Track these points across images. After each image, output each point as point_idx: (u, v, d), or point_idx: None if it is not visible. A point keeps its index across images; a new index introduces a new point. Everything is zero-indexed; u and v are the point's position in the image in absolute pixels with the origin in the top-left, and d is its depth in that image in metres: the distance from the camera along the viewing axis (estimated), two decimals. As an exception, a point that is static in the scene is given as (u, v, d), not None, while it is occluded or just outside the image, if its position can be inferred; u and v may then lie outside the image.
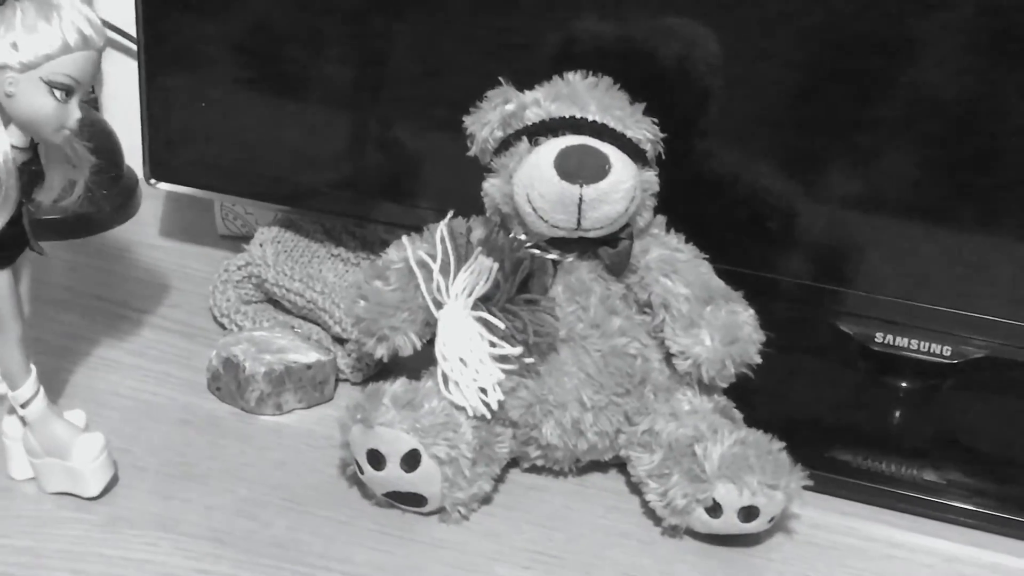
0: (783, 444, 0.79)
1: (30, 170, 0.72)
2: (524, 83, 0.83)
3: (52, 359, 0.90)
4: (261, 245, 0.99)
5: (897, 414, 0.93)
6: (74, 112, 0.70)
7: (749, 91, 0.86)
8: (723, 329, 0.79)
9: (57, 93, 0.68)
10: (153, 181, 1.00)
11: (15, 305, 0.74)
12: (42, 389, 0.77)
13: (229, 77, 0.97)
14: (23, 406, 0.76)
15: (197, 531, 0.77)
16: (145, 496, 0.80)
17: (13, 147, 0.70)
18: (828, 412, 0.93)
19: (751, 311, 0.81)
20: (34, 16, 0.67)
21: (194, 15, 0.96)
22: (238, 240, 1.07)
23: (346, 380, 0.93)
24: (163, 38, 0.96)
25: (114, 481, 0.79)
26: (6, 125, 0.70)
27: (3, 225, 0.70)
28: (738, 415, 0.83)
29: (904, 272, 0.87)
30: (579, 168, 0.76)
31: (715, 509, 0.77)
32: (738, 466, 0.76)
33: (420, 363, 0.83)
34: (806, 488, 0.78)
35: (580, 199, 0.76)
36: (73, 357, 0.92)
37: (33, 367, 0.76)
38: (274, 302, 0.98)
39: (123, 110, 1.06)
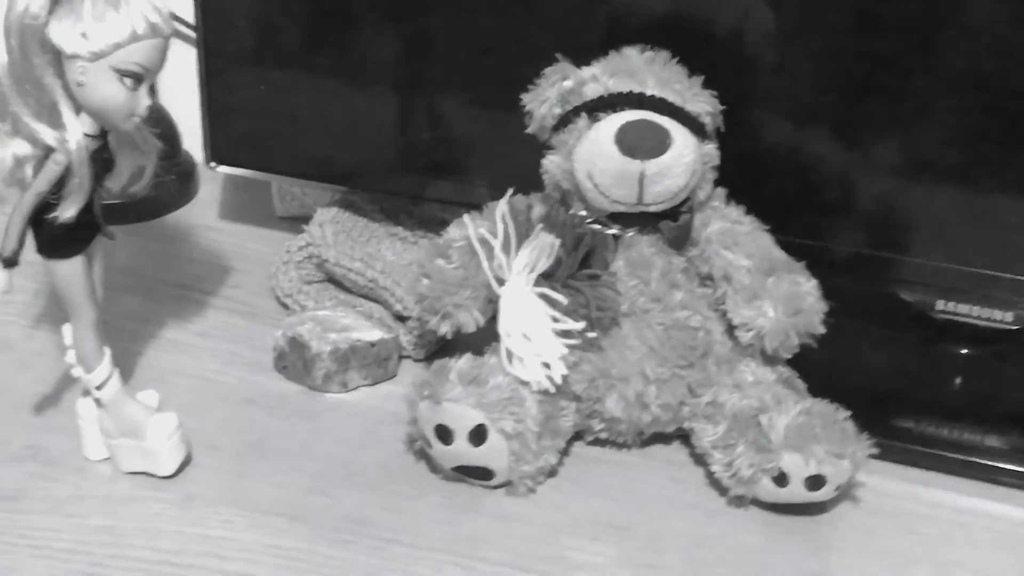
0: (848, 413, 0.79)
1: (101, 158, 0.73)
2: (581, 59, 0.83)
3: (120, 341, 0.91)
4: (321, 226, 1.00)
5: (960, 381, 0.93)
6: (143, 99, 0.71)
7: (804, 60, 0.86)
8: (786, 300, 0.80)
9: (127, 81, 0.69)
10: (213, 164, 1.02)
11: (89, 290, 0.76)
12: (116, 371, 0.78)
13: (285, 60, 0.98)
14: (98, 388, 0.78)
15: (270, 507, 0.78)
16: (218, 474, 0.81)
17: (85, 135, 0.71)
18: (891, 380, 0.93)
19: (813, 281, 0.81)
20: (103, 5, 0.68)
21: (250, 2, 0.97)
22: (296, 221, 1.08)
23: (408, 357, 0.94)
24: (221, 23, 0.97)
25: (188, 460, 0.81)
26: (77, 114, 0.71)
27: (77, 212, 0.72)
28: (801, 385, 0.84)
29: (965, 239, 0.87)
30: (640, 143, 0.76)
31: (781, 478, 0.77)
32: (804, 436, 0.77)
33: (481, 339, 0.84)
34: (871, 456, 0.79)
35: (641, 174, 0.77)
36: (141, 339, 0.94)
37: (107, 350, 0.78)
38: (335, 281, 1.00)
39: (179, 95, 1.08)
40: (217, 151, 1.01)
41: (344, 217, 1.01)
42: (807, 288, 0.81)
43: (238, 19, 0.97)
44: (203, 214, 1.13)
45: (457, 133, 0.97)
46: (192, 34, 0.99)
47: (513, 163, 0.89)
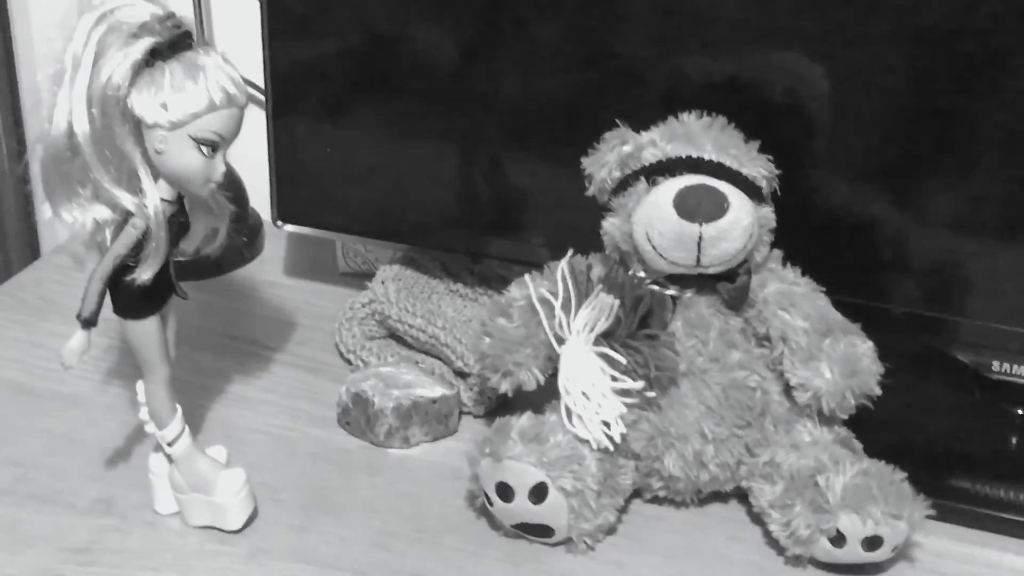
0: (904, 474, 0.80)
1: (178, 222, 0.76)
2: (639, 124, 0.85)
3: (189, 397, 0.93)
4: (383, 283, 1.02)
5: (1016, 441, 0.93)
6: (219, 167, 0.73)
7: (857, 121, 0.88)
8: (842, 361, 0.81)
9: (204, 149, 0.72)
10: (280, 223, 1.04)
11: (163, 348, 0.78)
12: (187, 427, 0.81)
13: (349, 121, 1.01)
14: (170, 444, 0.80)
15: (335, 562, 0.80)
16: (284, 529, 0.83)
17: (162, 200, 0.74)
18: (948, 441, 0.93)
19: (869, 343, 0.82)
20: (182, 77, 0.71)
21: (317, 66, 1.00)
22: (358, 277, 1.11)
23: (468, 413, 0.96)
24: (289, 87, 1.00)
25: (255, 515, 0.83)
26: (155, 180, 0.74)
27: (154, 274, 0.74)
28: (858, 445, 0.85)
29: (1021, 299, 0.87)
30: (698, 207, 0.78)
31: (839, 539, 0.78)
32: (861, 496, 0.78)
33: (541, 397, 0.86)
34: (928, 517, 0.79)
35: (700, 237, 0.78)
36: (208, 394, 0.97)
37: (178, 407, 0.80)
38: (397, 337, 1.02)
39: (245, 155, 1.10)
40: (284, 210, 1.04)
41: (406, 274, 1.03)
42: (863, 349, 0.82)
43: (305, 83, 1.00)
44: (269, 270, 1.16)
45: (517, 193, 0.99)
46: (261, 97, 1.02)
47: (571, 223, 0.91)
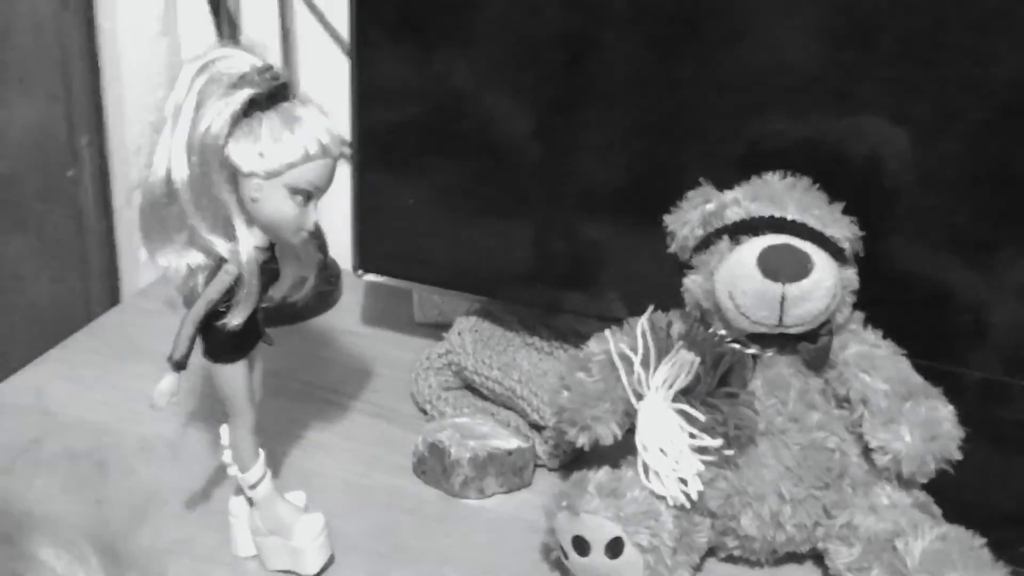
0: (984, 540, 0.79)
1: (269, 268, 0.77)
2: (722, 184, 0.86)
3: (267, 441, 0.94)
4: (460, 334, 1.03)
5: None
6: (312, 216, 0.75)
7: (941, 185, 0.88)
8: (923, 425, 0.81)
9: (298, 198, 0.74)
10: (360, 272, 1.06)
11: (249, 393, 0.80)
12: (269, 472, 0.82)
13: (430, 176, 1.03)
14: (251, 487, 0.81)
15: (410, 611, 0.81)
16: (360, 575, 0.84)
17: (255, 247, 0.75)
18: (1027, 508, 0.93)
19: (950, 407, 0.82)
20: (279, 127, 0.73)
21: (401, 119, 1.02)
22: (434, 328, 1.12)
23: (543, 465, 0.96)
24: (374, 141, 1.02)
25: (331, 560, 0.84)
26: (249, 227, 0.75)
27: (244, 319, 0.76)
28: (937, 510, 0.84)
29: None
30: (782, 267, 0.79)
31: (918, 605, 0.78)
32: (940, 562, 0.77)
33: (616, 451, 0.86)
34: (1008, 585, 0.79)
35: (783, 297, 0.79)
36: (287, 439, 0.98)
37: (261, 451, 0.81)
38: (472, 389, 1.02)
39: (326, 205, 1.12)
40: (364, 260, 1.06)
41: (483, 326, 1.04)
42: (944, 414, 0.81)
43: (389, 138, 1.02)
44: (346, 319, 1.17)
45: (594, 248, 1.00)
46: (347, 150, 1.04)
47: (650, 279, 0.92)
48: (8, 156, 1.27)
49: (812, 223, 0.82)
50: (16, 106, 1.25)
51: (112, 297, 1.32)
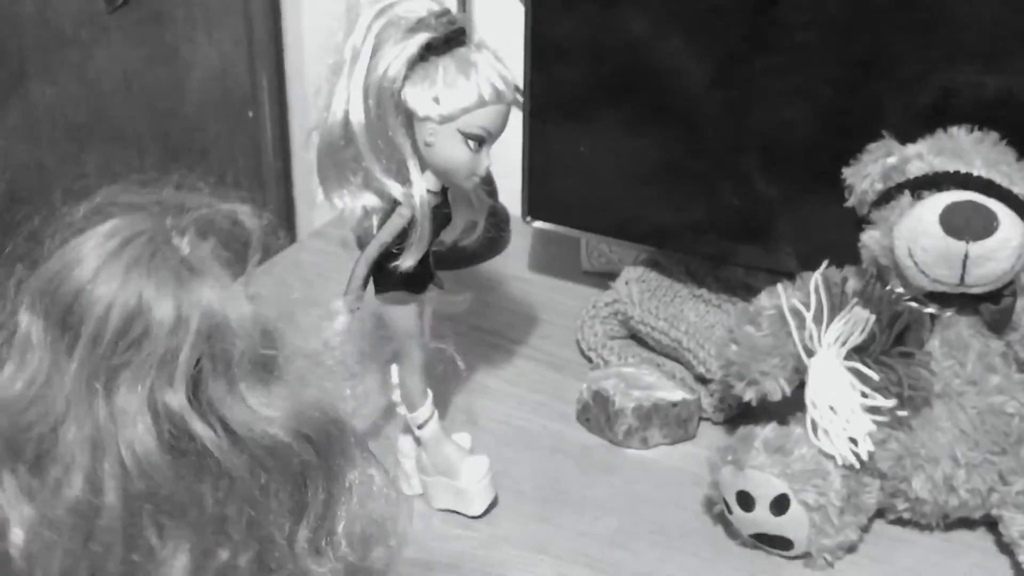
0: None
1: (442, 212, 0.78)
2: (906, 137, 0.83)
3: (435, 384, 0.96)
4: (627, 283, 1.03)
5: None
6: (484, 161, 0.75)
7: None
8: (1111, 393, 0.77)
9: (471, 143, 0.74)
10: (529, 219, 1.06)
11: (419, 334, 0.81)
12: (436, 412, 0.83)
13: (605, 124, 1.02)
14: (419, 427, 0.83)
15: (572, 556, 0.81)
16: (522, 519, 0.85)
17: (428, 191, 0.76)
18: None
19: None
20: (454, 72, 0.73)
21: (576, 68, 1.01)
22: (601, 276, 1.12)
23: (708, 419, 0.95)
24: (548, 89, 1.02)
25: (495, 502, 0.85)
26: (423, 172, 0.76)
27: (416, 261, 0.77)
28: (1120, 480, 0.81)
29: None
30: (966, 224, 0.76)
31: (1097, 578, 0.75)
32: (1122, 534, 0.74)
33: (783, 408, 0.85)
34: None
35: (965, 256, 0.76)
36: (453, 382, 0.99)
37: (429, 391, 0.83)
38: (638, 339, 1.02)
39: (496, 151, 1.13)
40: (534, 206, 1.06)
41: (650, 276, 1.04)
42: None
43: (564, 86, 1.02)
44: (514, 265, 1.18)
45: (768, 201, 0.98)
46: (520, 98, 1.04)
47: (825, 234, 0.89)
48: (192, 97, 1.31)
49: (999, 179, 0.79)
50: (200, 48, 1.29)
51: (290, 236, 1.35)
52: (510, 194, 1.11)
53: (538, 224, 1.07)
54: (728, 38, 0.95)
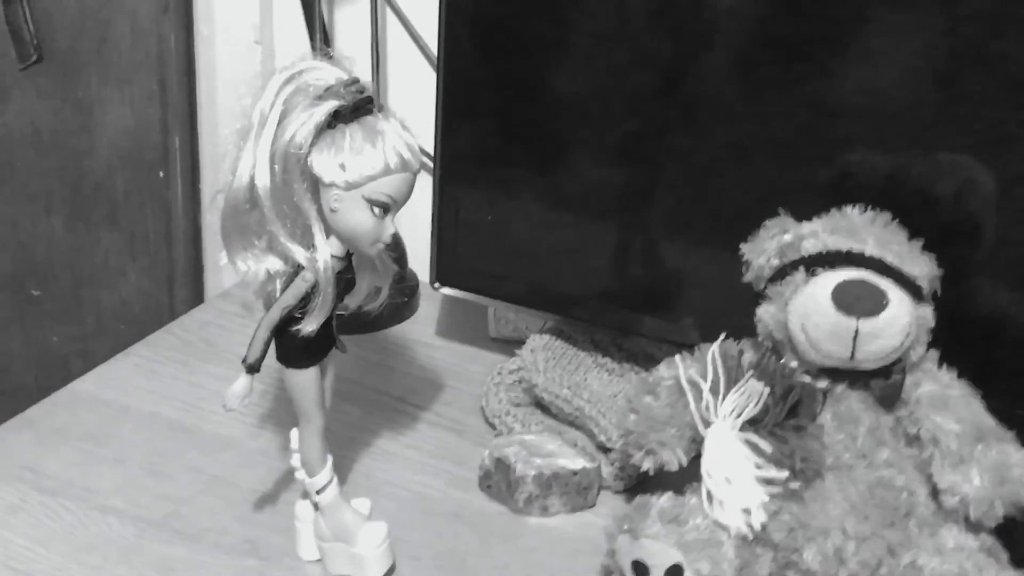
0: (1051, 589, 0.78)
1: (345, 278, 0.79)
2: (801, 215, 0.85)
3: (336, 447, 0.95)
4: (532, 351, 1.04)
5: None
6: (389, 228, 0.76)
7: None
8: (993, 469, 0.79)
9: (376, 210, 0.75)
10: (437, 285, 1.07)
11: (320, 399, 0.81)
12: (335, 478, 0.83)
13: (512, 193, 1.04)
14: (318, 492, 0.82)
15: (467, 624, 0.81)
16: (419, 586, 0.85)
17: (332, 256, 0.77)
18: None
19: (1023, 452, 0.80)
20: (361, 140, 0.74)
21: (486, 135, 1.03)
22: (508, 343, 1.13)
23: (607, 488, 0.96)
24: (457, 155, 1.03)
25: (392, 569, 0.85)
26: (327, 237, 0.77)
27: (318, 326, 0.77)
28: (1004, 556, 0.82)
29: None
30: (857, 302, 0.78)
31: (979, 650, 0.76)
32: (1004, 608, 0.76)
33: (680, 478, 0.86)
34: (1073, 636, 0.77)
35: (856, 332, 0.78)
36: (356, 447, 0.99)
37: (329, 457, 0.83)
38: (542, 406, 1.03)
39: (407, 218, 1.13)
40: (442, 273, 1.07)
41: (555, 345, 1.05)
42: (1016, 459, 0.80)
43: (473, 153, 1.03)
44: (422, 331, 1.18)
45: (671, 273, 1.00)
46: (429, 163, 1.06)
47: (724, 308, 0.91)
48: (104, 155, 1.30)
49: (890, 259, 0.81)
50: (113, 105, 1.28)
51: (196, 297, 1.34)
52: (420, 260, 1.12)
53: (446, 291, 1.07)
54: (632, 112, 0.97)
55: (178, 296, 1.34)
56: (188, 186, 1.31)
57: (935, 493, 0.82)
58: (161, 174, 1.30)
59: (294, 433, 0.83)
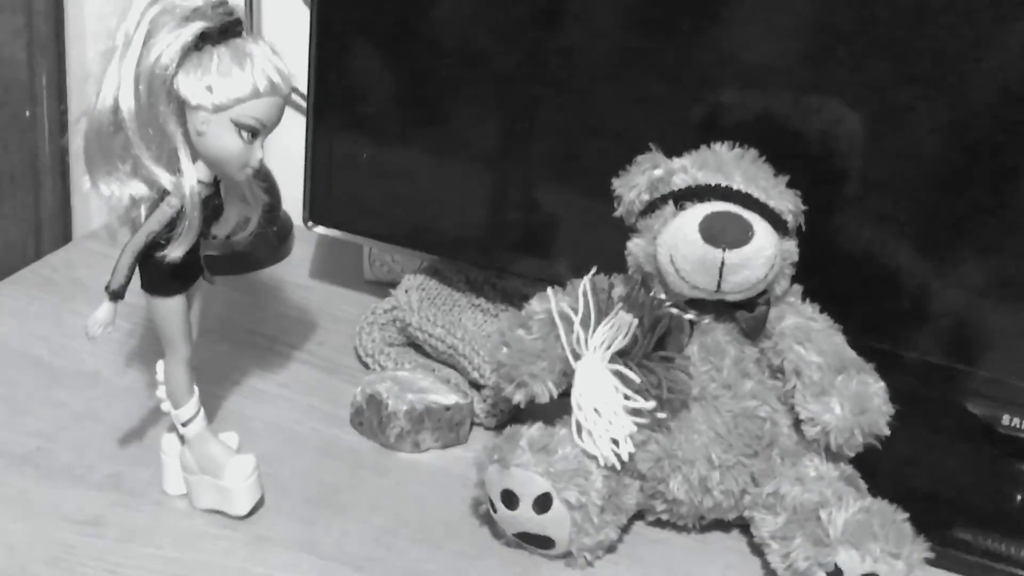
0: (906, 515, 0.80)
1: (212, 204, 0.77)
2: (672, 151, 0.86)
3: (206, 385, 0.93)
4: (407, 291, 1.03)
5: (1020, 497, 0.94)
6: (257, 153, 0.75)
7: (889, 170, 0.89)
8: (853, 399, 0.81)
9: (244, 134, 0.74)
10: (310, 224, 1.06)
11: (186, 329, 0.80)
12: (202, 410, 0.82)
13: (387, 132, 1.03)
14: (184, 424, 0.81)
15: (335, 555, 0.81)
16: (288, 519, 0.84)
17: (199, 182, 0.75)
18: (952, 489, 0.94)
19: (882, 383, 0.83)
20: (229, 62, 0.73)
21: (361, 70, 1.02)
22: (383, 285, 1.12)
23: (480, 424, 0.97)
24: (331, 94, 1.02)
25: (261, 502, 0.84)
26: (194, 161, 0.75)
27: (183, 253, 0.76)
28: (863, 484, 0.85)
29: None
30: (723, 233, 0.79)
31: (836, 573, 0.78)
32: (861, 533, 0.78)
33: (552, 411, 0.87)
34: (926, 561, 0.80)
35: (722, 263, 0.79)
36: (226, 385, 0.98)
37: (196, 388, 0.81)
38: (415, 346, 1.03)
39: (281, 158, 1.12)
40: (315, 211, 1.06)
41: (430, 285, 1.05)
42: (875, 389, 0.82)
43: (347, 92, 1.02)
44: (295, 272, 1.17)
45: (546, 212, 1.00)
46: (302, 102, 1.04)
47: (598, 244, 0.92)
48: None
49: (756, 193, 0.82)
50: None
51: (64, 237, 1.31)
52: (293, 202, 1.11)
53: (319, 230, 1.06)
54: (507, 52, 0.97)
55: (45, 240, 1.31)
56: (56, 123, 1.27)
57: (797, 424, 0.84)
58: (27, 113, 1.26)
59: (160, 365, 0.82)
